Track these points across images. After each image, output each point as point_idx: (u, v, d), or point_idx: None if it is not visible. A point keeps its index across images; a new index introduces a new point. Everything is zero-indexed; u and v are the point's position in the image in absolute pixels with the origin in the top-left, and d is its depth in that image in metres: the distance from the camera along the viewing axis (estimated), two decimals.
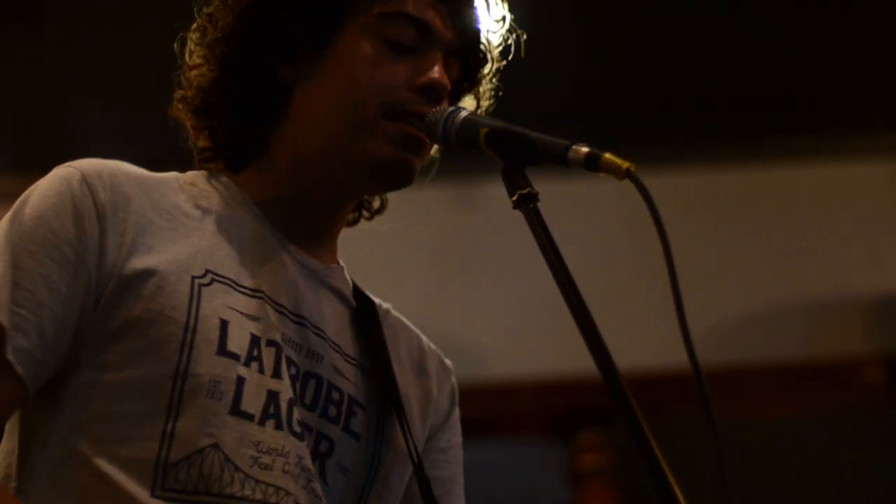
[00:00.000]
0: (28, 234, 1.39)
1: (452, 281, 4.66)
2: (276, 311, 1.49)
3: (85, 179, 1.43)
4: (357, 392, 1.54)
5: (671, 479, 1.23)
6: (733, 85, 4.38)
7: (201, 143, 1.62)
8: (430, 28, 1.55)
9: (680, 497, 1.22)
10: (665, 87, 4.37)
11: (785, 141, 4.75)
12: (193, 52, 1.61)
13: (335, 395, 1.51)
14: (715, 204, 4.80)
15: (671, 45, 4.19)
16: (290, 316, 1.50)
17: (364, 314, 1.61)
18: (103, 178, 1.44)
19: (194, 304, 1.41)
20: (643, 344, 4.10)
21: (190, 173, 1.60)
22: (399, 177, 1.56)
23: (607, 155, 1.37)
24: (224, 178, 1.58)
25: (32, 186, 1.45)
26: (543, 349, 4.45)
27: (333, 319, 1.57)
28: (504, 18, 1.67)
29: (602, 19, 4.00)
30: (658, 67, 4.28)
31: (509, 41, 1.68)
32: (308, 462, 1.45)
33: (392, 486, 1.57)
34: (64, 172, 1.45)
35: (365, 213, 1.71)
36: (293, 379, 1.47)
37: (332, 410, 1.50)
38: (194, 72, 1.59)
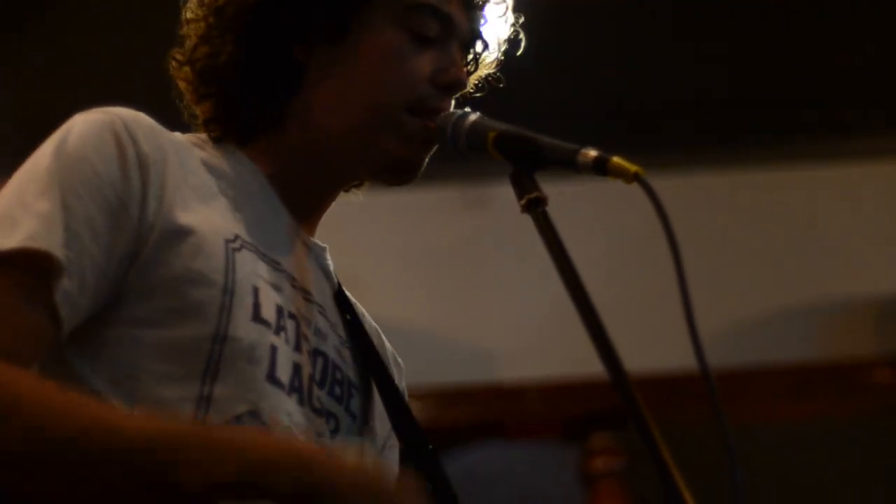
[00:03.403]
0: (73, 173, 1.34)
1: (463, 283, 4.66)
2: (292, 284, 1.49)
3: (127, 127, 1.38)
4: (352, 373, 1.55)
5: (681, 481, 1.24)
6: (744, 87, 4.38)
7: (204, 112, 1.58)
8: (452, 22, 1.56)
9: (689, 499, 1.23)
10: (675, 90, 4.37)
11: (794, 142, 4.75)
12: (199, 14, 1.56)
13: (338, 375, 1.51)
14: (723, 206, 4.80)
15: (681, 47, 4.19)
16: (301, 291, 1.51)
17: (342, 295, 1.62)
18: (143, 128, 1.40)
19: (230, 267, 1.39)
20: (652, 346, 4.10)
21: (195, 135, 1.57)
22: (408, 175, 1.58)
23: (616, 159, 1.38)
24: (230, 146, 1.56)
25: (66, 125, 1.39)
26: (555, 352, 4.45)
27: (327, 299, 1.57)
28: (507, 8, 1.65)
29: (613, 21, 4.00)
30: (667, 70, 4.28)
31: (514, 32, 1.68)
32: (327, 439, 1.46)
33: None
34: (103, 117, 1.39)
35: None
36: (309, 354, 1.47)
37: (337, 390, 1.51)
38: (192, 28, 1.56)
